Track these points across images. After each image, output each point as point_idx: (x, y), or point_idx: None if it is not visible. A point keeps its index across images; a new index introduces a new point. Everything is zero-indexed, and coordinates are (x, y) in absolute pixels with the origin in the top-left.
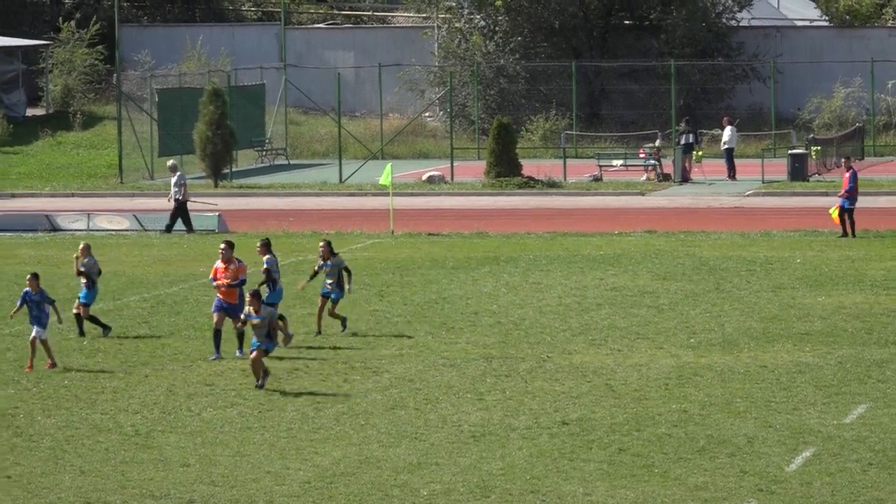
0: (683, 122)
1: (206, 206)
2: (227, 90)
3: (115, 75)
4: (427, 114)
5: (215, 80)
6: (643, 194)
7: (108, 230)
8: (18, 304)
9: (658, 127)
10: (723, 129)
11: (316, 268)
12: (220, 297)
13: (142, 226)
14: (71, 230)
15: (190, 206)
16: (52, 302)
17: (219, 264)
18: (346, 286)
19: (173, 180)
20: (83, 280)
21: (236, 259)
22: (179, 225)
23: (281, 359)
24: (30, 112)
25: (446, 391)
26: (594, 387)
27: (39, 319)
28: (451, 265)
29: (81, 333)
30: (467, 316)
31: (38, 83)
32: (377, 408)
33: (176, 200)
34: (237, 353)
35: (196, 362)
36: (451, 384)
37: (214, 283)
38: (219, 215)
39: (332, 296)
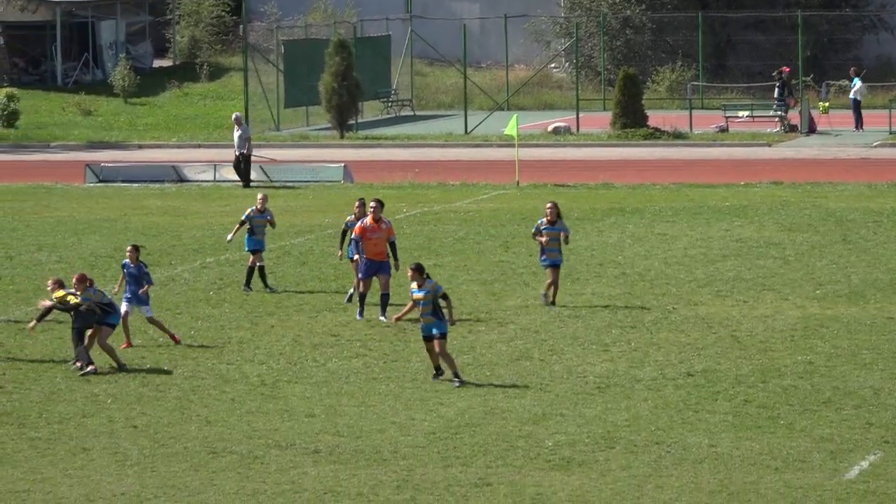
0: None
1: (265, 160)
2: (353, 41)
3: (241, 27)
4: (553, 65)
5: (341, 31)
6: (769, 145)
7: (234, 181)
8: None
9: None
10: (850, 80)
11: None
12: (368, 257)
13: (268, 176)
14: (197, 181)
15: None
16: (148, 280)
17: (367, 223)
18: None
19: (237, 134)
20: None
21: (385, 219)
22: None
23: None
24: (156, 63)
25: (571, 342)
26: (719, 338)
27: (135, 295)
28: (577, 216)
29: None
30: (592, 267)
31: (165, 34)
32: (502, 359)
33: (241, 154)
34: (381, 318)
35: (321, 313)
36: (576, 335)
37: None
38: (344, 166)
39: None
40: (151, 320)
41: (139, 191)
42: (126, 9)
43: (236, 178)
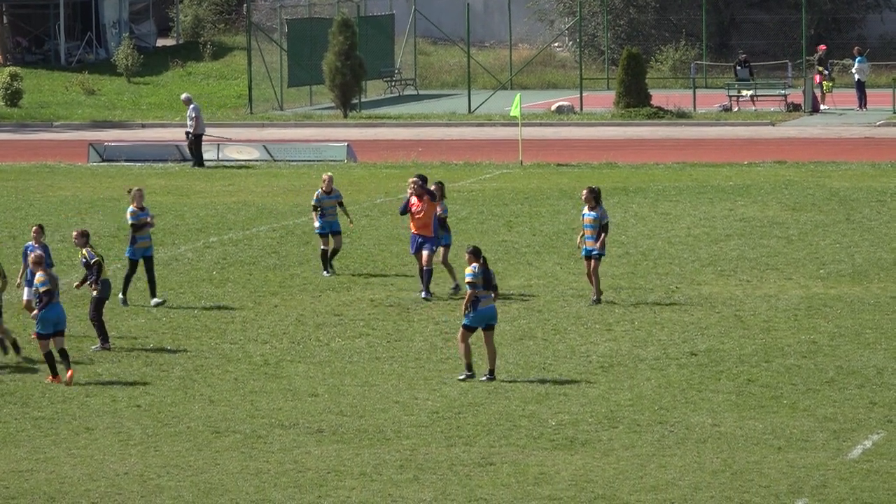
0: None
1: (221, 139)
2: (357, 20)
3: (244, 5)
4: (556, 44)
5: (345, 10)
6: (773, 124)
7: (237, 160)
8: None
9: (788, 57)
10: (853, 59)
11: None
12: (415, 231)
13: (271, 156)
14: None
15: (205, 138)
16: (50, 263)
17: (413, 199)
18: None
19: (187, 113)
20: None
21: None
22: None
23: (407, 291)
24: (160, 42)
25: (574, 322)
26: (723, 318)
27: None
28: (580, 196)
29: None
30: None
31: (168, 13)
32: (505, 338)
33: (187, 134)
34: (422, 294)
35: (325, 292)
36: (579, 315)
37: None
38: (347, 145)
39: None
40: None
41: (142, 170)
42: None
43: (240, 157)
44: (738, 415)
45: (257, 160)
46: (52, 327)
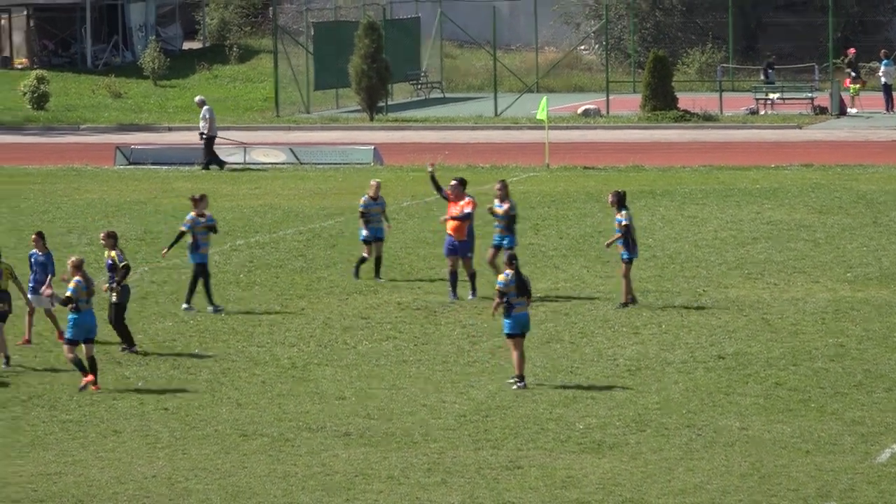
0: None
1: (235, 142)
2: (383, 23)
3: (271, 9)
4: (583, 47)
5: (371, 13)
6: (800, 127)
7: (263, 163)
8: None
9: (815, 60)
10: (880, 62)
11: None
12: (449, 233)
13: (297, 159)
14: (227, 163)
15: (217, 140)
16: (52, 270)
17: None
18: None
19: (201, 115)
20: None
21: (468, 195)
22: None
23: (433, 293)
24: (186, 45)
25: (602, 325)
26: (750, 321)
27: (41, 285)
28: (606, 199)
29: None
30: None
31: (195, 16)
32: (532, 341)
33: (201, 135)
34: (469, 296)
35: (352, 295)
36: (606, 318)
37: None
38: (374, 148)
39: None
40: (49, 313)
41: (169, 173)
42: None
43: (267, 160)
44: (765, 418)
45: (284, 163)
46: (83, 334)
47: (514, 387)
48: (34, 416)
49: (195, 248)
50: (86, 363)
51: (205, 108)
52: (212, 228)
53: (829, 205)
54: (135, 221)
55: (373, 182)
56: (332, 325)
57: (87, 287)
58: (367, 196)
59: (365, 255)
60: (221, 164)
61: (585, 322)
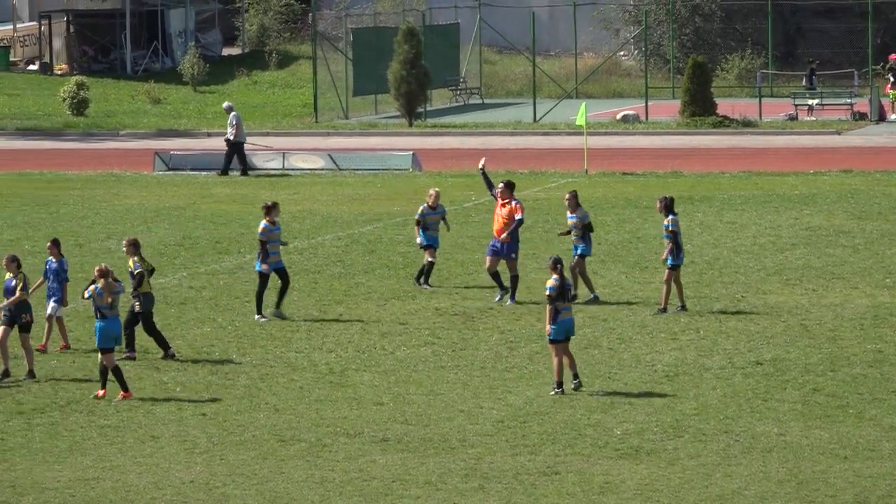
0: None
1: (263, 147)
2: (422, 29)
3: (310, 15)
4: (622, 53)
5: (410, 19)
6: (839, 133)
7: (302, 169)
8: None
9: (854, 66)
10: None
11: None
12: (495, 236)
13: (336, 165)
14: (266, 169)
15: (246, 147)
16: (65, 277)
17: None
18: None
19: (228, 120)
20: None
21: (514, 199)
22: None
23: (471, 299)
24: (226, 51)
25: (639, 331)
26: (788, 327)
27: (57, 293)
28: (645, 204)
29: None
30: (661, 255)
31: (234, 22)
32: (572, 347)
33: (227, 141)
34: (508, 301)
35: (390, 301)
36: (644, 324)
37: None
38: (413, 154)
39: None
40: (59, 320)
41: (208, 179)
42: None
43: (305, 166)
44: (804, 424)
45: (322, 169)
46: (112, 342)
47: (552, 393)
48: (72, 421)
49: (265, 256)
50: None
51: (232, 114)
52: (281, 241)
53: (868, 210)
54: (174, 227)
55: (432, 191)
56: (369, 330)
57: (101, 294)
58: (425, 205)
59: (430, 259)
60: (246, 170)
61: (624, 328)
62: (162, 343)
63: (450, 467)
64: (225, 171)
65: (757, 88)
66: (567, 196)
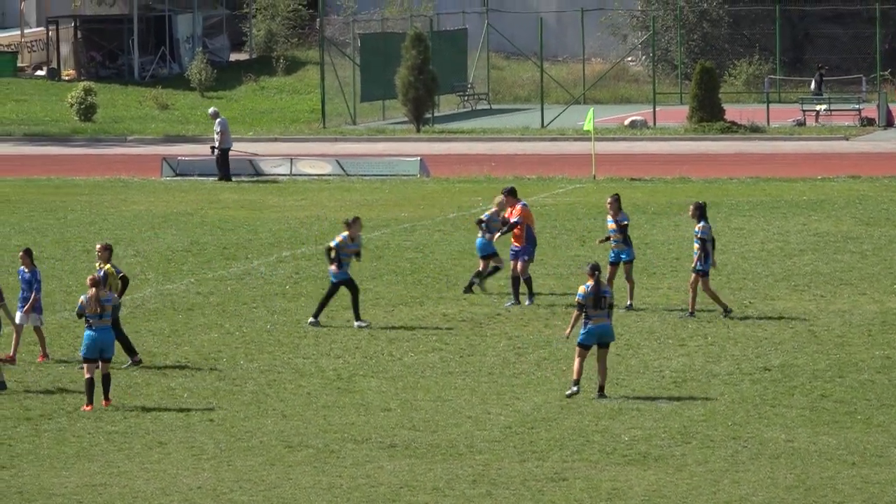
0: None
1: (248, 154)
2: (430, 35)
3: (318, 20)
4: (629, 58)
5: (417, 24)
6: (847, 139)
7: (310, 175)
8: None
9: (862, 71)
10: None
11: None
12: (514, 242)
13: (344, 170)
14: (273, 175)
15: (231, 153)
16: (38, 288)
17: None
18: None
19: (214, 127)
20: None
21: (520, 203)
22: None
23: (479, 304)
24: (233, 57)
25: (647, 337)
26: (796, 333)
27: (26, 301)
28: (653, 210)
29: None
30: (669, 262)
31: (242, 28)
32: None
33: (212, 148)
34: (527, 302)
35: (397, 307)
36: (652, 330)
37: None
38: (420, 160)
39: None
40: (38, 330)
41: (215, 184)
42: (203, 2)
43: (313, 171)
44: (811, 430)
45: (330, 175)
46: (96, 352)
47: (567, 393)
48: (80, 427)
49: (338, 266)
50: (98, 380)
51: (218, 120)
52: (357, 254)
53: (877, 216)
54: (181, 233)
55: (498, 198)
56: (377, 336)
57: (88, 303)
58: (493, 209)
59: (497, 265)
60: (229, 177)
61: (631, 334)
62: (128, 348)
63: (457, 473)
64: (227, 177)
65: (765, 94)
66: (609, 200)
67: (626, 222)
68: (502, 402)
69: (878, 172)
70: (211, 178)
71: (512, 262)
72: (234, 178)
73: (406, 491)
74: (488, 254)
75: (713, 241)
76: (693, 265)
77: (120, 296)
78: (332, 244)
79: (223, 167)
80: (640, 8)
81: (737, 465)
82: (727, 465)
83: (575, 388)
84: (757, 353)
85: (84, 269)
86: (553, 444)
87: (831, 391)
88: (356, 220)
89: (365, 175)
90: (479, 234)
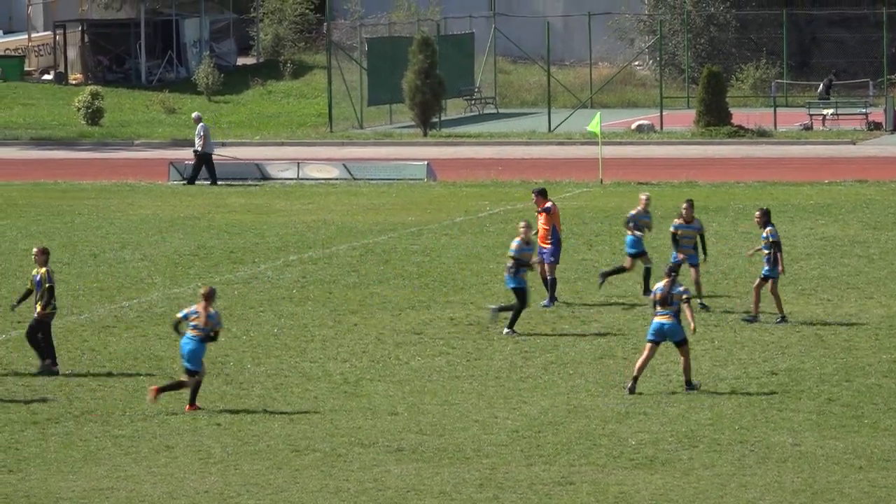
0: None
1: (229, 158)
2: (437, 39)
3: (325, 24)
4: (636, 62)
5: (425, 28)
6: (854, 143)
7: (317, 179)
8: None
9: (869, 75)
10: None
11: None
12: (540, 244)
13: (351, 174)
14: (281, 179)
15: (214, 157)
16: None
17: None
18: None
19: (196, 131)
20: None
21: (550, 203)
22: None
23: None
24: (240, 61)
25: None
26: (803, 337)
27: None
28: (661, 214)
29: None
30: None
31: (249, 32)
32: (585, 357)
33: (195, 152)
34: (544, 303)
35: (404, 311)
36: None
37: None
38: (427, 164)
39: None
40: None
41: (222, 189)
42: (210, 6)
43: (320, 175)
44: (818, 434)
45: (337, 179)
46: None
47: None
48: (87, 431)
49: (516, 272)
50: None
51: (200, 125)
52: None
53: (884, 220)
54: (188, 237)
55: (643, 196)
56: (384, 340)
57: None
58: (638, 208)
59: (626, 265)
60: (215, 179)
61: (639, 337)
62: (43, 353)
63: (464, 477)
64: (192, 181)
65: (772, 98)
66: (684, 205)
67: (700, 231)
68: (509, 405)
69: (886, 177)
70: (219, 183)
71: (546, 266)
72: (240, 183)
73: (413, 495)
74: (637, 252)
75: (780, 245)
76: (763, 270)
77: (45, 306)
78: (512, 254)
79: (210, 171)
80: (647, 12)
81: (744, 469)
82: (734, 469)
83: (633, 384)
84: (764, 357)
85: (91, 273)
86: (560, 448)
87: (838, 395)
88: (528, 225)
89: (372, 179)
90: (628, 233)
